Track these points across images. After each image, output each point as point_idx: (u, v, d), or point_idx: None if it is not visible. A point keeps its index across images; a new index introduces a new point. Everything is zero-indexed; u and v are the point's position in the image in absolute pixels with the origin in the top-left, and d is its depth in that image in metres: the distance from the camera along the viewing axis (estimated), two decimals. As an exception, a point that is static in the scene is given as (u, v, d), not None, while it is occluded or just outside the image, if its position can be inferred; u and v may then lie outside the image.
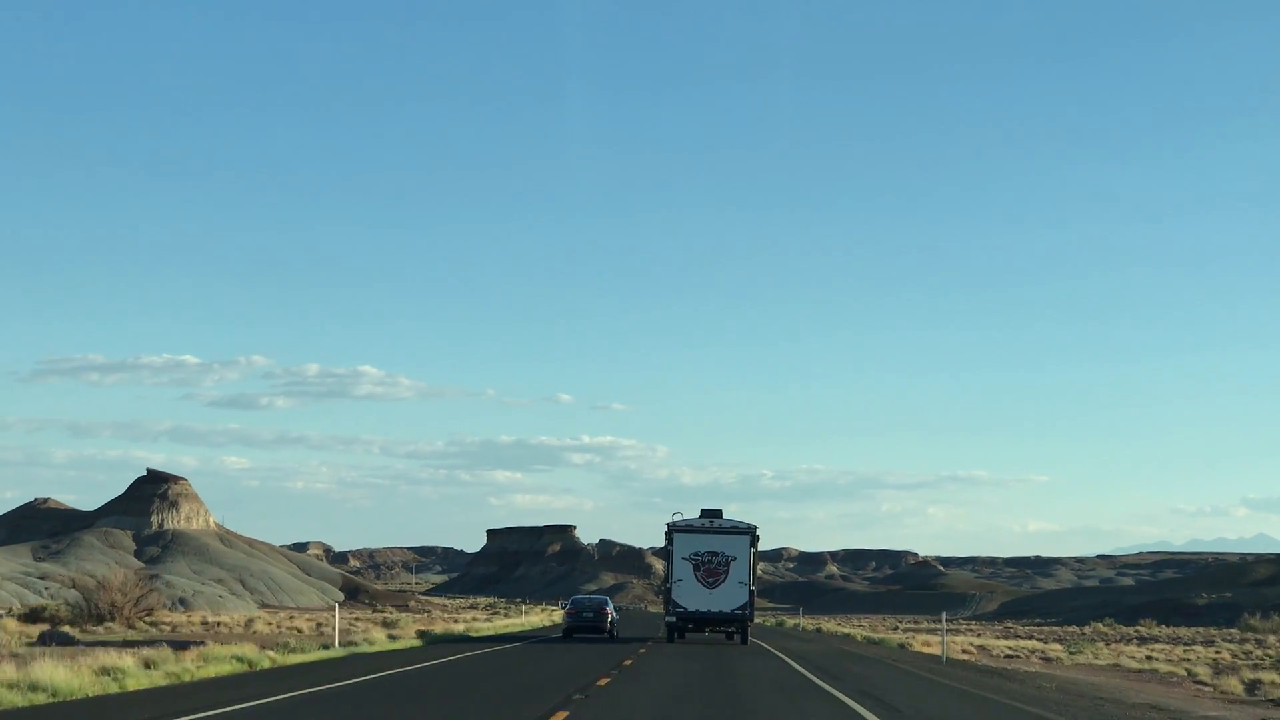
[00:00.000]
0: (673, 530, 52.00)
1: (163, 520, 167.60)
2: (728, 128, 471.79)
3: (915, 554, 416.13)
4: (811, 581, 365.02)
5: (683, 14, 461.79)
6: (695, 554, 51.52)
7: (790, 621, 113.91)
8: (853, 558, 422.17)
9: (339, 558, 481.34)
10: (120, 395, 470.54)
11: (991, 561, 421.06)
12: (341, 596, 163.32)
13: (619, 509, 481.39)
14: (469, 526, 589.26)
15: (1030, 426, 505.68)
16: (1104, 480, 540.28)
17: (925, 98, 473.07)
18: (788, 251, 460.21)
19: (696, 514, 52.70)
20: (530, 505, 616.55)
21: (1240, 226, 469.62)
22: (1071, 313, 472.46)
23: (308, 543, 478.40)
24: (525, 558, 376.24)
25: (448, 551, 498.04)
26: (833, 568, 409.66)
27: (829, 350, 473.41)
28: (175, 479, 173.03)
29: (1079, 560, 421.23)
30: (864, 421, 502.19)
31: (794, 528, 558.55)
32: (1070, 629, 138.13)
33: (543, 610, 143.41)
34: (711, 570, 51.25)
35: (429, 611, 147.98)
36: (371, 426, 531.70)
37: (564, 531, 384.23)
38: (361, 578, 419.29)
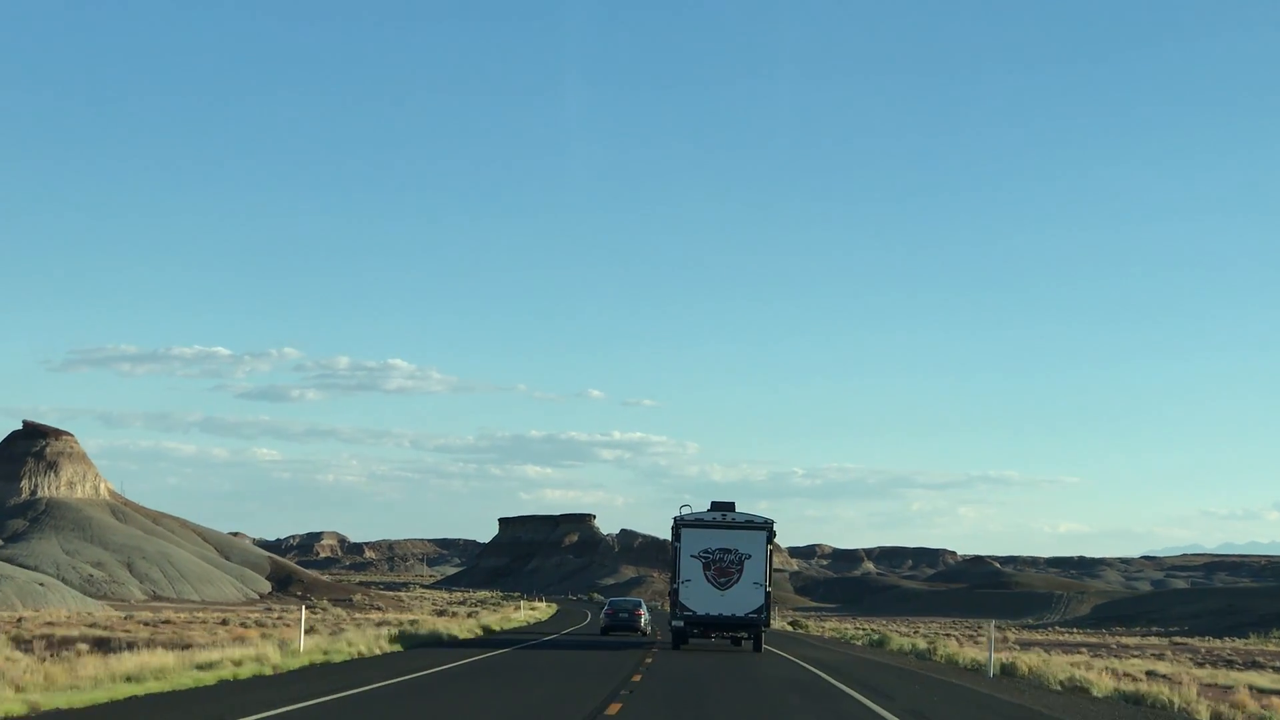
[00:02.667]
0: (680, 525, 46.45)
1: (36, 485, 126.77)
2: (759, 122, 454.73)
3: (954, 552, 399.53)
4: (855, 578, 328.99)
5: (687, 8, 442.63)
6: (705, 551, 46.25)
7: (896, 638, 70.34)
8: (888, 555, 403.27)
9: (354, 548, 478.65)
10: (152, 386, 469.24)
11: (1033, 561, 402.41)
12: (267, 586, 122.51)
13: (649, 505, 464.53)
14: (492, 520, 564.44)
15: (1061, 428, 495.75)
16: (1134, 482, 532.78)
17: (950, 93, 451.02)
18: (820, 249, 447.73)
19: (707, 507, 46.99)
20: (560, 500, 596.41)
21: (1275, 228, 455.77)
22: (1103, 314, 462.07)
23: (321, 533, 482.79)
24: (540, 549, 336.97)
25: (468, 544, 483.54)
26: (869, 565, 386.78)
27: (860, 348, 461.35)
28: (58, 434, 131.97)
29: (1124, 561, 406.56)
30: (895, 421, 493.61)
31: (824, 526, 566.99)
32: (1216, 643, 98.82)
33: (517, 607, 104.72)
34: (723, 569, 46.04)
35: (380, 609, 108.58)
36: (402, 420, 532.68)
37: (582, 521, 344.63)
38: (372, 567, 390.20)
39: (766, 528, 46.31)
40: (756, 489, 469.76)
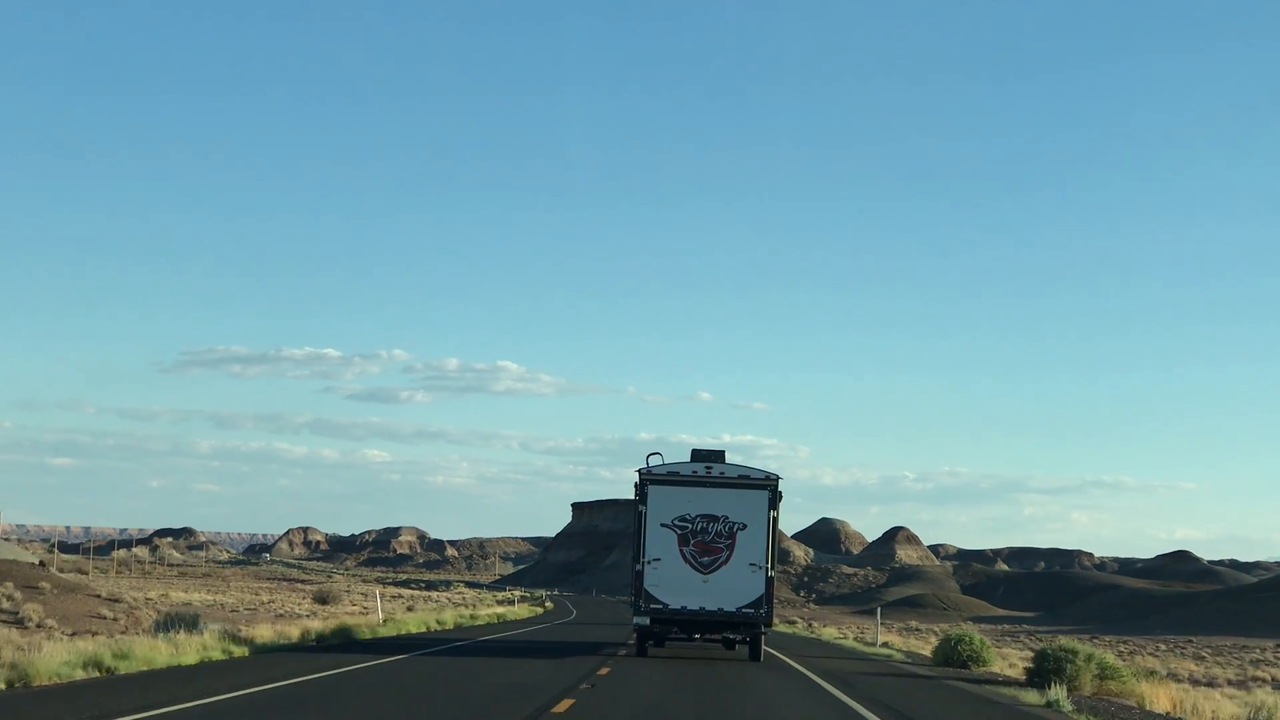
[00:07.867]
0: (646, 481, 31.76)
1: None
2: (854, 117, 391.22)
3: (1090, 553, 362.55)
4: (1056, 575, 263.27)
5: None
6: (681, 519, 31.53)
7: None
8: (1018, 556, 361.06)
9: (434, 545, 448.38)
10: (262, 387, 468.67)
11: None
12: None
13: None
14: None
15: (1178, 432, 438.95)
16: (1251, 489, 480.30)
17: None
18: (930, 252, 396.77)
19: (688, 458, 31.84)
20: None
21: None
22: (1219, 315, 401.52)
23: (399, 528, 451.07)
24: (621, 539, 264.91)
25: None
26: (1002, 565, 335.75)
27: (973, 352, 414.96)
28: None
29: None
30: (1006, 425, 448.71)
31: (936, 530, 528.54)
32: None
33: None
34: (707, 545, 31.40)
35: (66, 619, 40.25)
36: (511, 422, 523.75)
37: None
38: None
39: (769, 486, 31.10)
40: (868, 493, 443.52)
